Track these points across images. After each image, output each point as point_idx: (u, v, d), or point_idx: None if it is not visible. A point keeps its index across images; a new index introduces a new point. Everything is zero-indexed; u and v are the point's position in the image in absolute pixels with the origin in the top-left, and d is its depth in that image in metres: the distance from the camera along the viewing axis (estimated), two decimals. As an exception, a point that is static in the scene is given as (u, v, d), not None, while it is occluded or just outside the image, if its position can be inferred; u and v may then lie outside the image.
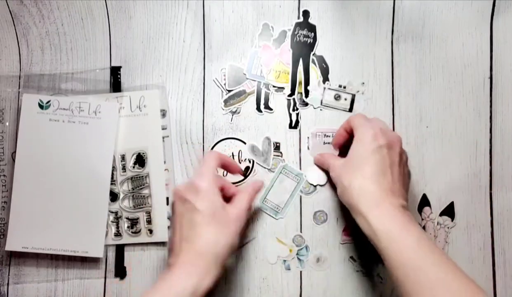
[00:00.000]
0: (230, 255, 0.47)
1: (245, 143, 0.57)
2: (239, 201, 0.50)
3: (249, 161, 0.57)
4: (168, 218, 0.56)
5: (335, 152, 0.56)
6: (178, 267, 0.45)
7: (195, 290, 0.44)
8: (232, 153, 0.57)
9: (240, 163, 0.57)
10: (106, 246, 0.55)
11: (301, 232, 0.56)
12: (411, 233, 0.44)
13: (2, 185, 0.56)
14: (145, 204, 0.56)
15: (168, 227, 0.55)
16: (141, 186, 0.56)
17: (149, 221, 0.56)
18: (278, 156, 0.57)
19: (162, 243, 0.56)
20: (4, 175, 0.56)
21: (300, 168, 0.57)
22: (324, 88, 0.58)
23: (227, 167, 0.55)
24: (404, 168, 0.50)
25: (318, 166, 0.56)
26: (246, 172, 0.57)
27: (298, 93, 0.58)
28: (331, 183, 0.56)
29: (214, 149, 0.57)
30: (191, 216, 0.46)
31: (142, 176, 0.56)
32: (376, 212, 0.46)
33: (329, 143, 0.57)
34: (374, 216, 0.45)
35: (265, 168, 0.57)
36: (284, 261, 0.56)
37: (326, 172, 0.55)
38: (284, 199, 0.56)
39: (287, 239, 0.56)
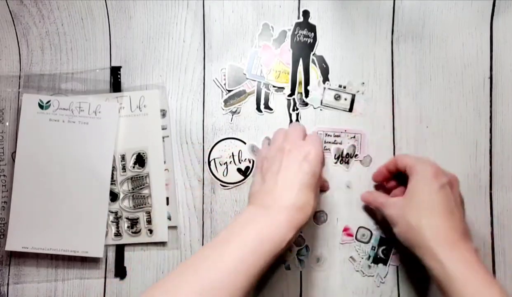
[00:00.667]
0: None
1: (245, 143, 0.57)
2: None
3: (249, 161, 0.57)
4: (169, 218, 0.55)
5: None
6: (271, 206, 0.44)
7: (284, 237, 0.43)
8: (232, 153, 0.57)
9: (240, 163, 0.57)
10: (106, 246, 0.55)
11: (301, 232, 0.56)
12: (493, 286, 0.43)
13: (2, 185, 0.56)
14: (145, 204, 0.56)
15: (169, 227, 0.55)
16: (141, 186, 0.56)
17: (149, 221, 0.56)
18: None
19: (162, 243, 0.56)
20: (4, 175, 0.56)
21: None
22: (324, 88, 0.58)
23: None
24: (463, 207, 0.50)
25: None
26: (246, 172, 0.57)
27: (298, 93, 0.58)
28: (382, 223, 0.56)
29: (214, 149, 0.57)
30: (304, 168, 0.46)
31: (142, 176, 0.56)
32: (452, 255, 0.44)
33: (329, 142, 0.57)
34: (449, 258, 0.44)
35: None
36: (284, 261, 0.56)
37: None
38: None
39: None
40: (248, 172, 0.57)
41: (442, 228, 0.46)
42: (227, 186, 0.57)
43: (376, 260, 0.55)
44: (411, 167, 0.50)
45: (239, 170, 0.57)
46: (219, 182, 0.57)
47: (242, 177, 0.57)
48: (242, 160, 0.57)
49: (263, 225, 0.43)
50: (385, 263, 0.55)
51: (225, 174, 0.57)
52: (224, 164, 0.57)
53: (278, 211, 0.44)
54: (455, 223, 0.46)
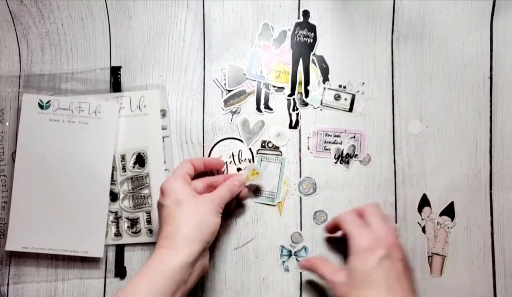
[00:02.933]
0: (207, 232, 0.48)
1: (243, 142, 0.57)
2: (216, 190, 0.51)
3: (249, 161, 0.57)
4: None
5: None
6: (158, 253, 0.47)
7: (180, 262, 0.45)
8: (232, 153, 0.57)
9: (240, 163, 0.57)
10: (106, 246, 0.55)
11: (300, 230, 0.56)
12: None
13: (2, 185, 0.56)
14: (145, 204, 0.56)
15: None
16: (141, 186, 0.56)
17: (149, 221, 0.56)
18: (278, 155, 0.57)
19: (162, 243, 0.56)
20: (4, 175, 0.56)
21: (300, 168, 0.57)
22: (324, 88, 0.58)
23: (208, 167, 0.55)
24: (409, 272, 0.48)
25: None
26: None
27: (298, 93, 0.58)
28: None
29: (214, 149, 0.57)
30: (161, 214, 0.49)
31: (142, 176, 0.56)
32: None
33: (329, 142, 0.57)
34: None
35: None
36: (283, 262, 0.56)
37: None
38: (275, 184, 0.57)
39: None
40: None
41: None
42: None
43: None
44: (350, 239, 0.49)
45: (239, 170, 0.57)
46: None
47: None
48: (242, 160, 0.57)
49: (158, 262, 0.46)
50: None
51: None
52: (224, 164, 0.57)
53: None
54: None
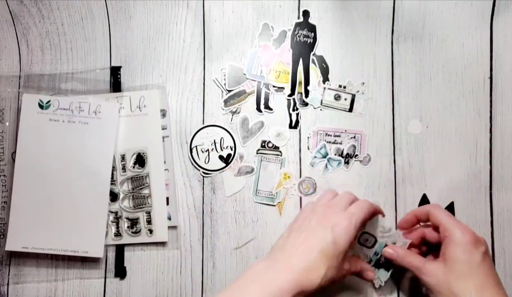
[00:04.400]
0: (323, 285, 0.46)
1: (227, 130, 0.57)
2: (353, 265, 0.50)
3: (231, 149, 0.57)
4: (169, 218, 0.56)
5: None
6: (282, 262, 0.46)
7: (298, 284, 0.44)
8: (214, 140, 0.57)
9: (222, 150, 0.57)
10: (106, 246, 0.55)
11: None
12: None
13: (2, 185, 0.56)
14: (145, 204, 0.56)
15: (169, 227, 0.55)
16: (141, 186, 0.56)
17: (149, 221, 0.56)
18: (278, 155, 0.57)
19: (162, 243, 0.56)
20: (4, 175, 0.56)
21: (300, 168, 0.57)
22: (324, 88, 0.58)
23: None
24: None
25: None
26: (227, 160, 0.57)
27: (298, 93, 0.58)
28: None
29: (196, 136, 0.57)
30: (320, 232, 0.47)
31: (142, 176, 0.56)
32: None
33: (329, 142, 0.57)
34: None
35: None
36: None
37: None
38: (274, 184, 0.57)
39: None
40: (230, 159, 0.57)
41: None
42: (209, 174, 0.57)
43: (378, 265, 0.54)
44: (446, 230, 0.49)
45: (220, 157, 0.57)
46: (201, 170, 0.57)
47: (224, 165, 0.57)
48: (224, 148, 0.57)
49: (267, 282, 0.45)
50: (387, 268, 0.54)
51: (206, 162, 0.57)
52: (206, 151, 0.57)
53: (285, 268, 0.45)
54: (502, 295, 0.46)
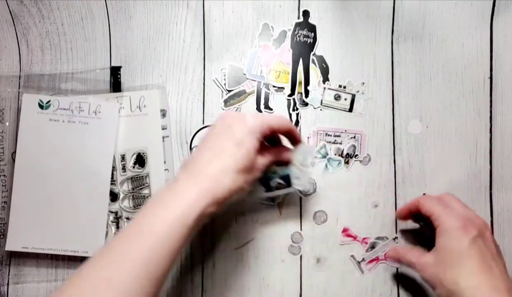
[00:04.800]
0: (233, 198, 0.44)
1: None
2: (266, 157, 0.48)
3: None
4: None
5: None
6: (186, 180, 0.43)
7: (204, 197, 0.42)
8: None
9: None
10: (106, 246, 0.55)
11: (300, 230, 0.56)
12: None
13: (2, 185, 0.56)
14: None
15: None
16: (141, 186, 0.56)
17: (149, 221, 0.56)
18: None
19: (162, 243, 0.56)
20: (4, 175, 0.56)
21: (300, 168, 0.57)
22: (324, 88, 0.58)
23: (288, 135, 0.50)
24: (501, 255, 0.47)
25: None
26: None
27: (298, 93, 0.58)
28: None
29: (196, 136, 0.57)
30: (222, 133, 0.45)
31: (142, 176, 0.56)
32: None
33: (329, 142, 0.57)
34: None
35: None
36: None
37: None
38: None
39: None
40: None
41: (482, 289, 0.43)
42: None
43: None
44: (436, 219, 0.47)
45: None
46: None
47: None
48: None
49: (174, 202, 0.42)
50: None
51: None
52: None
53: (188, 184, 0.43)
54: (496, 280, 0.43)
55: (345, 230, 0.56)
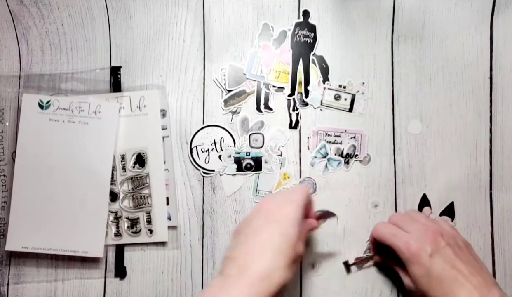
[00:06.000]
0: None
1: (227, 130, 0.57)
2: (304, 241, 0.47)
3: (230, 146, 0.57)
4: (169, 218, 0.56)
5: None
6: (236, 277, 0.42)
7: None
8: (214, 140, 0.57)
9: (222, 150, 0.57)
10: (106, 246, 0.55)
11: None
12: None
13: (2, 185, 0.56)
14: (145, 204, 0.56)
15: (169, 227, 0.55)
16: (141, 186, 0.56)
17: (149, 221, 0.56)
18: (278, 155, 0.57)
19: (162, 243, 0.56)
20: (4, 175, 0.56)
21: (300, 169, 0.57)
22: (324, 88, 0.58)
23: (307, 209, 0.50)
24: (464, 248, 0.49)
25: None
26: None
27: (298, 93, 0.58)
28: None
29: (196, 136, 0.57)
30: (271, 240, 0.44)
31: (142, 176, 0.56)
32: None
33: (329, 142, 0.57)
34: None
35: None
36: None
37: None
38: (274, 184, 0.57)
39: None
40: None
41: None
42: (209, 174, 0.57)
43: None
44: (390, 245, 0.49)
45: (221, 157, 0.57)
46: (201, 170, 0.57)
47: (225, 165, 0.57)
48: (224, 148, 0.57)
49: (227, 293, 0.41)
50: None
51: (206, 162, 0.57)
52: (206, 151, 0.57)
53: (239, 282, 0.41)
54: (471, 283, 0.45)
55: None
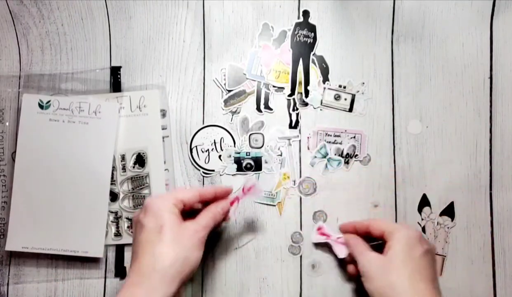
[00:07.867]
0: (189, 269, 0.45)
1: (227, 130, 0.57)
2: (201, 218, 0.48)
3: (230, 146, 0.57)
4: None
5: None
6: (123, 291, 0.44)
7: None
8: (214, 140, 0.57)
9: (222, 150, 0.57)
10: (106, 246, 0.55)
11: (300, 230, 0.56)
12: None
13: (2, 185, 0.56)
14: (145, 204, 0.56)
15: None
16: (141, 186, 0.56)
17: (149, 221, 0.56)
18: (278, 155, 0.57)
19: (162, 243, 0.56)
20: (4, 175, 0.56)
21: (300, 169, 0.57)
22: (324, 88, 0.58)
23: (217, 198, 0.51)
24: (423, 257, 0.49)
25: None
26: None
27: (298, 93, 0.58)
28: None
29: (196, 136, 0.57)
30: (139, 235, 0.46)
31: (142, 176, 0.56)
32: None
33: (329, 142, 0.57)
34: None
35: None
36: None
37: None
38: (274, 184, 0.57)
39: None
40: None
41: (427, 294, 0.46)
42: (209, 174, 0.57)
43: None
44: (391, 232, 0.49)
45: (221, 157, 0.57)
46: (201, 170, 0.57)
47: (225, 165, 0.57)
48: (224, 148, 0.57)
49: None
50: None
51: (206, 162, 0.57)
52: (206, 151, 0.57)
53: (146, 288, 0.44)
54: (437, 292, 0.47)
55: (319, 228, 0.56)
